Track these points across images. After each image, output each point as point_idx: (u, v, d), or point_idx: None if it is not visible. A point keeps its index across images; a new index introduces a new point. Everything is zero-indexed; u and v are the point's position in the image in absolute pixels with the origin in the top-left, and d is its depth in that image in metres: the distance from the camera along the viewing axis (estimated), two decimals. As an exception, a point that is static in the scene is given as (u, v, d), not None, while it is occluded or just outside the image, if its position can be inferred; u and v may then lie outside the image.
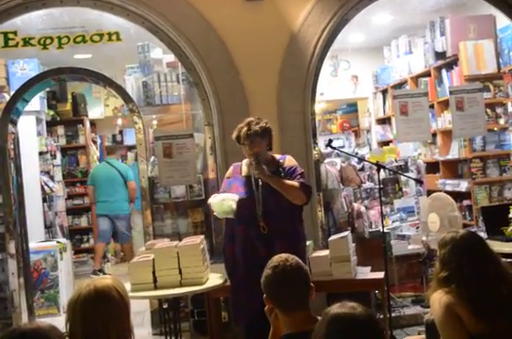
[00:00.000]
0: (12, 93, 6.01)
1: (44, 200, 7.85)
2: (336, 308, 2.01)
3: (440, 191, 6.72)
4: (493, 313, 2.79)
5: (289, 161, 4.30)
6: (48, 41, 5.51)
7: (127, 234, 8.87)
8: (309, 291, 2.66)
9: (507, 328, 2.76)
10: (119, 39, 5.58)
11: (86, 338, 2.36)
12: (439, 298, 2.90)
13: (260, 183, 4.14)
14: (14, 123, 5.96)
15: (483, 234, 5.50)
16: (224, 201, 4.04)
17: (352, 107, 10.91)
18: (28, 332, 2.10)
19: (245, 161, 4.36)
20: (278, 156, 4.36)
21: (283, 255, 2.73)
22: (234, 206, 4.02)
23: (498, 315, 2.78)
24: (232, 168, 4.45)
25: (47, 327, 2.13)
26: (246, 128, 4.18)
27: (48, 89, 8.58)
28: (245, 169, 4.31)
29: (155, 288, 4.11)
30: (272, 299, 2.67)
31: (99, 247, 8.96)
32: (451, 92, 5.78)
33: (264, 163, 4.09)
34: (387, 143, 9.17)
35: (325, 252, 4.89)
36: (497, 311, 2.79)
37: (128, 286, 4.09)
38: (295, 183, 4.12)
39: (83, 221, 9.65)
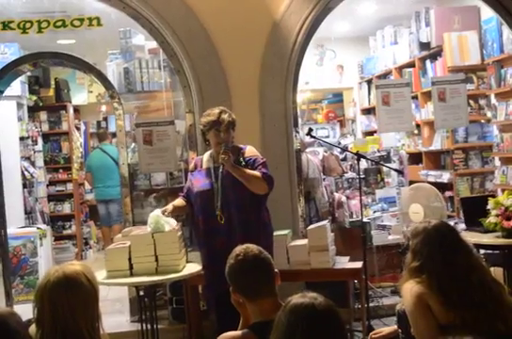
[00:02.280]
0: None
1: (25, 185, 7.80)
2: (297, 298, 2.03)
3: (423, 182, 6.73)
4: (463, 302, 2.78)
5: (250, 151, 4.30)
6: (28, 25, 5.44)
7: (118, 218, 8.96)
8: (274, 277, 2.68)
9: (477, 318, 2.76)
10: (99, 24, 5.51)
11: (53, 324, 2.35)
12: (410, 289, 2.90)
13: (220, 174, 4.18)
14: (-7, 108, 5.91)
15: (463, 225, 5.52)
16: (161, 219, 4.13)
17: (338, 97, 10.91)
18: None
19: (205, 155, 4.40)
20: (238, 147, 4.35)
21: (244, 245, 2.76)
22: (166, 229, 4.13)
23: (468, 305, 2.78)
24: (193, 162, 4.50)
25: (6, 313, 2.12)
26: (226, 114, 4.21)
27: (31, 75, 8.51)
28: (205, 162, 4.35)
29: (131, 275, 4.08)
30: (238, 289, 2.68)
31: (103, 231, 9.53)
32: (433, 83, 5.78)
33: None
34: (372, 133, 9.17)
35: (303, 241, 4.90)
36: (467, 301, 2.79)
37: (104, 273, 4.08)
38: (256, 173, 4.13)
39: (65, 208, 9.59)
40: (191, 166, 4.49)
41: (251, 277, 2.65)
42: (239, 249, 2.73)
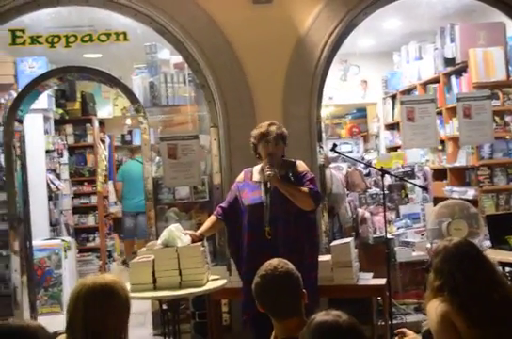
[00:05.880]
0: (19, 91, 6.03)
1: (50, 198, 7.87)
2: (321, 315, 2.01)
3: (447, 198, 6.65)
4: (485, 319, 2.76)
5: (300, 166, 4.31)
6: (56, 40, 5.52)
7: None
8: (300, 298, 2.63)
9: (499, 334, 2.74)
10: (126, 39, 5.58)
11: (84, 327, 2.33)
12: (434, 307, 2.88)
13: (270, 188, 4.16)
14: (20, 121, 5.97)
15: (488, 243, 5.46)
16: (173, 234, 4.11)
17: (361, 112, 10.88)
18: (17, 329, 2.08)
19: (256, 167, 4.38)
20: (289, 161, 4.35)
21: (273, 262, 2.69)
22: (178, 245, 4.10)
23: (490, 322, 2.75)
24: (243, 173, 4.46)
25: (36, 326, 2.12)
26: (274, 127, 4.23)
27: (57, 88, 8.61)
28: (255, 175, 4.33)
29: (155, 289, 4.09)
30: (263, 307, 2.65)
31: (127, 244, 9.34)
32: (458, 99, 5.75)
33: (276, 167, 4.14)
34: (395, 149, 9.13)
35: (327, 257, 4.87)
36: (489, 317, 2.76)
37: (128, 286, 4.09)
38: (303, 188, 4.14)
39: (90, 220, 9.64)
40: (239, 177, 4.45)
41: (276, 298, 2.60)
42: (266, 267, 2.67)
